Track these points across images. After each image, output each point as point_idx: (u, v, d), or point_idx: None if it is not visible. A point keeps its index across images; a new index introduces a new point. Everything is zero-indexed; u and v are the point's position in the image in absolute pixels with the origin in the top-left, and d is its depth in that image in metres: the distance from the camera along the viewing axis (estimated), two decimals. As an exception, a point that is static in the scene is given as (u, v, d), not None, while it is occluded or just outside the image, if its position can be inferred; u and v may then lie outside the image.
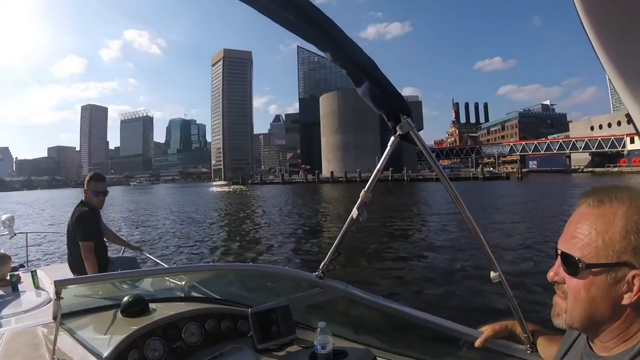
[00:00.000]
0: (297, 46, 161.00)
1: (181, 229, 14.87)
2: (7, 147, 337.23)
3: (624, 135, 70.74)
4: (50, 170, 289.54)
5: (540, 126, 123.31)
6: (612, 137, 73.43)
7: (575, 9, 0.60)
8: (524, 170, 64.91)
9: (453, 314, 4.63)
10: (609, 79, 0.67)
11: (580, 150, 78.96)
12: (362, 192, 1.37)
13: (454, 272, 7.00)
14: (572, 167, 78.12)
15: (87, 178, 3.05)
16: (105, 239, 3.19)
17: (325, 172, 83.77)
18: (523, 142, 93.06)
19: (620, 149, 72.14)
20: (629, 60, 0.63)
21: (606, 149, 74.03)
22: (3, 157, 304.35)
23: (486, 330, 1.18)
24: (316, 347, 1.31)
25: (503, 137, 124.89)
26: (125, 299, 1.64)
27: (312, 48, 1.49)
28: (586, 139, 78.45)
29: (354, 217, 1.40)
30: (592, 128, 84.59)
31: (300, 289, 1.77)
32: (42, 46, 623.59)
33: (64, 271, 2.97)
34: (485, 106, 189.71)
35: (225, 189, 68.12)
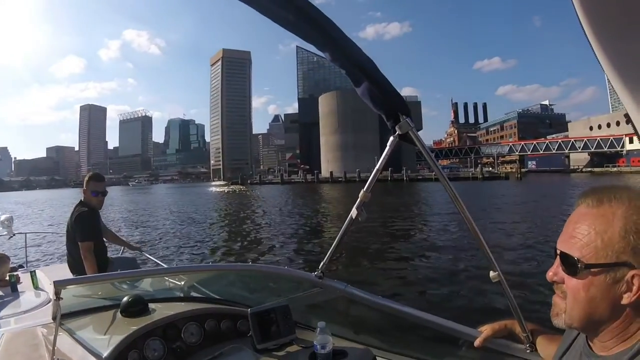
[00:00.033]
0: (297, 46, 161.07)
1: (181, 229, 14.86)
2: (6, 147, 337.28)
3: (622, 135, 70.85)
4: (49, 171, 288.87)
5: (539, 126, 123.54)
6: (611, 137, 73.55)
7: (575, 10, 0.60)
8: (523, 170, 65.00)
9: (452, 313, 4.65)
10: (608, 79, 0.67)
11: (579, 150, 79.08)
12: (362, 192, 1.37)
13: (454, 271, 7.01)
14: (571, 167, 78.22)
15: (86, 178, 3.05)
16: (104, 239, 3.19)
17: (325, 172, 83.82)
18: (522, 142, 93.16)
19: (619, 149, 72.27)
20: (628, 61, 0.63)
21: (605, 149, 74.15)
22: (2, 157, 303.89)
23: (486, 329, 1.18)
24: (316, 347, 1.31)
25: (502, 137, 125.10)
26: (125, 299, 1.64)
27: (311, 48, 1.50)
28: (585, 139, 78.56)
29: (353, 217, 1.40)
30: (591, 128, 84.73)
31: (300, 289, 1.77)
32: (42, 46, 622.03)
33: (63, 271, 2.97)
34: (484, 106, 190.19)
35: (225, 189, 68.08)
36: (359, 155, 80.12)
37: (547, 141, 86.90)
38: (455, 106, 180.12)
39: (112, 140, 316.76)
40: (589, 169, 71.90)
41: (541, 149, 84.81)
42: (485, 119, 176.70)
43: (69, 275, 2.83)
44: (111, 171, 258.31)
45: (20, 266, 3.86)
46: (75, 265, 2.86)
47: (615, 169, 68.19)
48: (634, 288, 0.62)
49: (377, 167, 1.37)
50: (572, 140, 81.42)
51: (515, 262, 7.46)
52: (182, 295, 2.00)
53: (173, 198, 43.55)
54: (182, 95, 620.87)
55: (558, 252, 0.71)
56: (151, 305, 1.68)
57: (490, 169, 77.96)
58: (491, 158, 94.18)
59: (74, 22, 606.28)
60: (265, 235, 12.81)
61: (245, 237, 12.81)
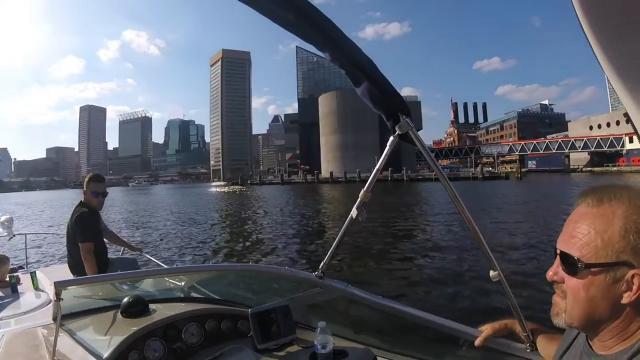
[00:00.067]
0: (296, 46, 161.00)
1: (182, 230, 14.86)
2: (6, 148, 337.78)
3: (622, 134, 70.85)
4: (49, 171, 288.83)
5: (539, 126, 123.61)
6: (611, 137, 73.56)
7: (574, 10, 0.60)
8: (522, 170, 65.02)
9: (453, 313, 4.65)
10: (607, 78, 0.67)
11: (579, 150, 79.08)
12: (362, 192, 1.37)
13: (454, 271, 7.01)
14: (571, 167, 78.25)
15: (86, 179, 3.04)
16: (105, 239, 3.18)
17: (325, 173, 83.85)
18: (522, 142, 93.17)
19: (619, 148, 72.28)
20: (627, 61, 0.64)
21: (605, 149, 74.16)
22: (2, 158, 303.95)
23: (486, 329, 1.18)
24: (316, 346, 1.31)
25: (502, 137, 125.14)
26: (125, 299, 1.64)
27: (311, 48, 1.50)
28: (585, 139, 78.56)
29: (354, 217, 1.41)
30: (590, 127, 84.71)
31: (301, 289, 1.78)
32: (42, 46, 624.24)
33: (64, 272, 2.96)
34: (484, 106, 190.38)
35: (225, 189, 68.11)
36: (359, 155, 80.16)
37: (547, 141, 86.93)
38: (455, 106, 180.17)
39: (112, 141, 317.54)
40: (589, 168, 71.93)
41: (541, 149, 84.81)
42: (485, 119, 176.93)
43: (69, 276, 2.82)
44: (111, 172, 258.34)
45: (21, 267, 3.86)
46: (76, 266, 2.86)
47: (615, 168, 68.21)
48: (634, 287, 0.62)
49: (377, 167, 1.38)
50: (572, 139, 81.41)
51: (516, 261, 7.46)
52: (182, 295, 2.01)
53: (173, 199, 43.53)
54: (181, 96, 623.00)
55: (558, 251, 0.70)
56: (151, 306, 1.68)
57: (490, 168, 77.98)
58: (491, 158, 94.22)
59: (73, 22, 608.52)
60: (266, 235, 12.81)
61: (246, 237, 12.81)
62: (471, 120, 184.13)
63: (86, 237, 2.80)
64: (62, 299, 1.22)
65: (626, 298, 0.63)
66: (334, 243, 1.53)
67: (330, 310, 1.79)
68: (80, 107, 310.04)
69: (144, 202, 38.45)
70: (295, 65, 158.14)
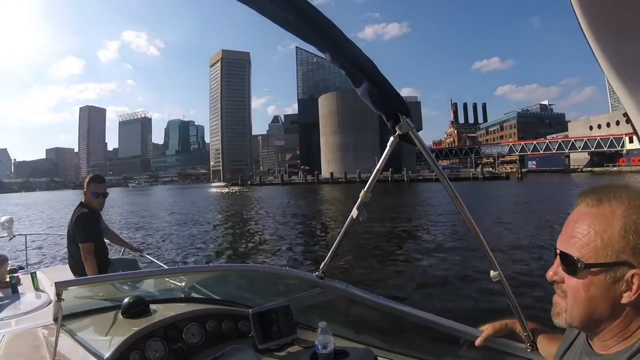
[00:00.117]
0: (296, 47, 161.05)
1: (182, 230, 14.86)
2: (6, 149, 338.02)
3: (622, 134, 70.88)
4: (49, 172, 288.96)
5: (539, 126, 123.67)
6: (611, 137, 73.61)
7: (573, 10, 0.60)
8: (523, 170, 65.04)
9: (453, 313, 4.64)
10: (607, 78, 0.68)
11: (579, 150, 79.13)
12: (362, 192, 1.38)
13: (454, 271, 7.01)
14: (571, 167, 78.28)
15: (86, 180, 3.04)
16: (106, 239, 3.18)
17: (325, 173, 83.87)
18: (522, 142, 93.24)
19: (619, 148, 72.33)
20: (627, 61, 0.64)
21: (605, 149, 74.22)
22: (1, 159, 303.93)
23: (486, 329, 1.18)
24: (317, 347, 1.32)
25: (502, 137, 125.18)
26: (126, 300, 1.64)
27: (310, 49, 1.50)
28: (585, 139, 78.63)
29: (354, 217, 1.41)
30: (590, 128, 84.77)
31: (301, 289, 1.78)
32: (42, 46, 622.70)
33: (64, 273, 2.96)
34: (484, 106, 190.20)
35: (225, 190, 68.09)
36: (359, 155, 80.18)
37: (547, 141, 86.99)
38: (454, 106, 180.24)
39: (112, 141, 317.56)
40: (589, 168, 71.96)
41: (541, 149, 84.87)
42: (485, 119, 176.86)
43: (69, 276, 2.82)
44: (111, 172, 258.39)
45: (21, 267, 3.85)
46: (76, 267, 2.86)
47: (615, 168, 68.25)
48: (634, 287, 0.62)
49: (377, 167, 1.38)
50: (572, 140, 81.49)
51: (517, 261, 7.46)
52: (183, 296, 2.01)
53: (174, 199, 43.56)
54: (181, 97, 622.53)
55: (558, 251, 0.71)
56: (152, 306, 1.68)
57: (491, 169, 77.97)
58: (491, 158, 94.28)
59: (73, 22, 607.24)
60: (267, 236, 12.81)
61: (247, 238, 12.82)
62: (471, 120, 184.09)
63: (86, 238, 2.80)
64: (63, 299, 1.22)
65: (626, 298, 0.63)
66: (335, 243, 1.53)
67: (331, 311, 1.79)
68: (80, 108, 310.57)
69: (144, 203, 38.46)
70: (295, 65, 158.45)
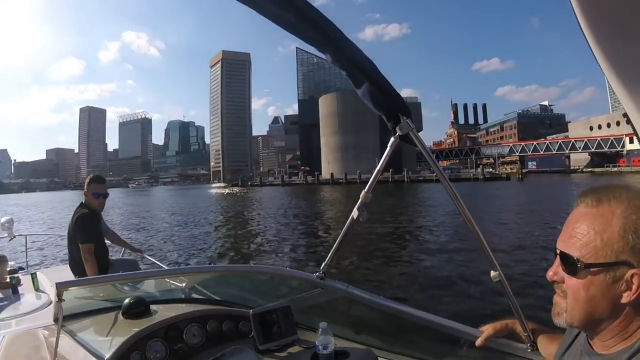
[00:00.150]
0: (296, 47, 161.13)
1: (183, 231, 14.86)
2: (6, 149, 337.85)
3: (623, 135, 70.89)
4: (49, 173, 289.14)
5: (539, 127, 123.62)
6: (611, 137, 73.61)
7: (573, 10, 0.60)
8: (523, 170, 65.03)
9: (454, 313, 4.64)
10: (607, 79, 0.68)
11: (580, 151, 79.12)
12: (363, 192, 1.38)
13: (455, 271, 7.01)
14: (572, 168, 78.32)
15: (87, 180, 3.04)
16: (106, 240, 3.18)
17: (325, 174, 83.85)
18: (522, 143, 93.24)
19: (619, 149, 72.32)
20: (626, 61, 0.64)
21: (605, 149, 74.21)
22: (1, 159, 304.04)
23: (487, 329, 1.18)
24: (318, 347, 1.32)
25: (502, 137, 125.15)
26: (127, 300, 1.65)
27: (311, 49, 1.51)
28: (585, 139, 78.63)
29: (355, 218, 1.41)
30: (591, 128, 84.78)
31: (302, 289, 1.78)
32: (42, 47, 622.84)
33: (64, 273, 2.96)
34: (484, 107, 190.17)
35: (225, 191, 68.10)
36: (359, 156, 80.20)
37: (547, 142, 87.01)
38: (454, 107, 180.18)
39: (112, 142, 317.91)
40: (590, 169, 71.99)
41: (541, 150, 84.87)
42: (485, 120, 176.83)
43: (70, 277, 2.82)
44: (111, 173, 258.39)
45: (21, 268, 3.85)
46: (77, 267, 2.86)
47: (615, 169, 68.23)
48: (634, 287, 0.62)
49: (378, 168, 1.38)
50: (573, 140, 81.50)
51: (517, 261, 7.45)
52: (183, 296, 2.01)
53: (174, 200, 43.56)
54: (181, 97, 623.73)
55: (558, 251, 0.71)
56: (153, 307, 1.68)
57: (491, 169, 77.96)
58: (491, 159, 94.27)
59: (73, 23, 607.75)
60: (267, 236, 12.81)
61: (248, 238, 12.81)
62: (471, 121, 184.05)
63: (86, 238, 2.80)
64: (64, 300, 1.22)
65: (626, 297, 0.63)
66: (335, 244, 1.53)
67: (331, 311, 1.79)
68: (80, 109, 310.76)
69: (145, 204, 38.45)
70: (296, 66, 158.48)
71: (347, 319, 1.79)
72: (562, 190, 28.92)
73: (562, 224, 0.72)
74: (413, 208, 21.30)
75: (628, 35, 0.61)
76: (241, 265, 3.66)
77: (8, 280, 2.63)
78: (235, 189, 72.13)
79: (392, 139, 1.26)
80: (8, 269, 3.01)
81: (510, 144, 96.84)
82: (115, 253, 3.79)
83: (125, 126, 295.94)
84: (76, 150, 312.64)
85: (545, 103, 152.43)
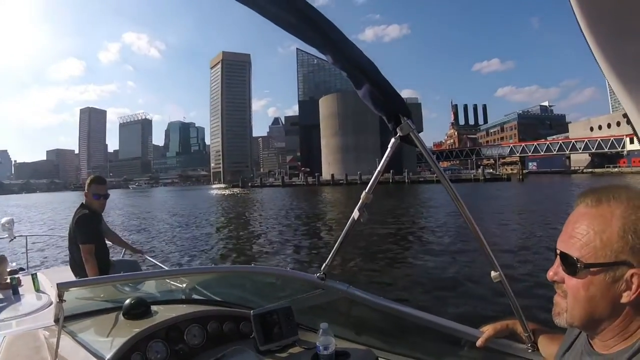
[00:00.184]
0: (297, 48, 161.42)
1: (183, 232, 14.84)
2: (6, 150, 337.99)
3: (623, 135, 70.90)
4: (49, 174, 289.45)
5: (539, 127, 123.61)
6: (612, 138, 73.61)
7: (573, 11, 0.61)
8: (524, 171, 65.02)
9: (454, 314, 4.64)
10: (607, 79, 0.68)
11: (580, 151, 79.12)
12: (363, 193, 1.38)
13: (455, 272, 7.00)
14: (572, 168, 78.33)
15: (87, 181, 3.04)
16: (107, 240, 3.19)
17: (326, 175, 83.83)
18: (523, 144, 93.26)
19: (619, 149, 72.31)
20: (626, 62, 0.64)
21: (606, 150, 74.20)
22: (2, 160, 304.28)
23: (487, 329, 1.18)
24: (318, 348, 1.32)
25: (502, 138, 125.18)
26: (127, 301, 1.65)
27: (311, 50, 1.51)
28: (586, 140, 78.63)
29: (355, 219, 1.41)
30: (591, 129, 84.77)
31: (302, 290, 1.78)
32: (43, 47, 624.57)
33: (64, 274, 2.96)
34: (484, 108, 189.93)
35: (225, 192, 68.09)
36: (360, 157, 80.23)
37: (547, 142, 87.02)
38: (455, 108, 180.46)
39: (112, 143, 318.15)
40: (590, 169, 71.96)
41: (542, 150, 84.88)
42: (485, 121, 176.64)
43: (70, 277, 2.82)
44: (111, 174, 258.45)
45: (22, 269, 3.86)
46: (77, 268, 2.86)
47: (616, 169, 68.22)
48: (633, 287, 0.62)
49: (378, 169, 1.39)
50: (573, 141, 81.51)
51: (517, 262, 7.43)
52: (184, 297, 2.01)
53: (175, 201, 43.54)
54: (182, 98, 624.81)
55: (558, 251, 0.71)
56: (153, 308, 1.68)
57: (491, 170, 77.91)
58: (492, 160, 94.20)
59: (73, 23, 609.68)
60: (268, 237, 12.79)
61: (248, 239, 12.80)
62: (471, 122, 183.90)
63: (87, 239, 2.80)
64: (65, 301, 1.22)
65: (626, 297, 0.63)
66: (336, 244, 1.54)
67: (332, 312, 1.79)
68: (81, 110, 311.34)
69: (145, 205, 38.44)
70: (296, 67, 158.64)
71: (347, 319, 1.79)
72: (562, 191, 28.89)
73: (562, 224, 0.72)
74: (414, 209, 21.28)
75: (628, 35, 0.61)
76: (242, 265, 3.65)
77: (8, 280, 2.63)
78: (236, 190, 72.12)
79: (392, 140, 1.26)
80: (8, 269, 3.01)
81: (511, 145, 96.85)
82: (116, 254, 3.79)
83: (125, 127, 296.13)
84: (76, 151, 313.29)
85: (546, 104, 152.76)
